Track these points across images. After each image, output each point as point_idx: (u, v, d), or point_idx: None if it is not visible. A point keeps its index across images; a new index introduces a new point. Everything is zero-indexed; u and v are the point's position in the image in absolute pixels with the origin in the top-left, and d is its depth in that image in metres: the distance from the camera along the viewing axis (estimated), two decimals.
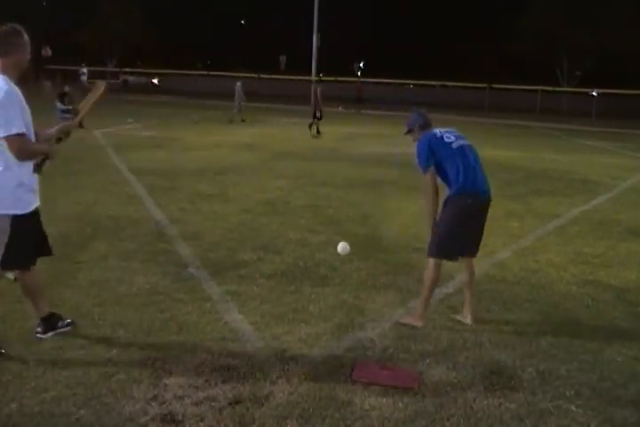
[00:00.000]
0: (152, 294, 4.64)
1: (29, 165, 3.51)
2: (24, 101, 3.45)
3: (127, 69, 50.92)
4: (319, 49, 36.61)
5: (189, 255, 5.68)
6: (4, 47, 3.41)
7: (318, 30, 36.02)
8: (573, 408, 3.28)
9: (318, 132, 18.43)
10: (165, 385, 3.32)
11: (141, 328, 4.03)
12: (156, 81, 50.94)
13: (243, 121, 22.12)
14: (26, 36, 3.49)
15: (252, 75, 44.41)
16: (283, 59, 47.07)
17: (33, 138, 3.51)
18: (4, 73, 3.40)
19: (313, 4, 35.83)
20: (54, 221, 6.76)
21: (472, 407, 3.23)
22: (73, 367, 3.46)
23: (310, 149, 14.67)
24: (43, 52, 40.11)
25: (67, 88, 17.47)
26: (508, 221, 7.75)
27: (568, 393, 3.42)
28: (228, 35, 57.74)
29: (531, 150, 16.62)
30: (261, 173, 10.56)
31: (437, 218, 4.24)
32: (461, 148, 4.25)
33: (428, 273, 4.25)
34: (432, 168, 4.21)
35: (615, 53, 36.37)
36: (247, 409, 3.11)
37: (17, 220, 3.45)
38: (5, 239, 3.43)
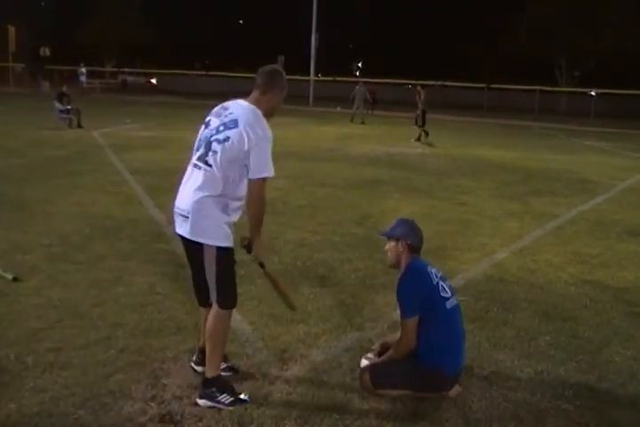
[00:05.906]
0: (151, 294, 4.64)
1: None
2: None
3: (126, 69, 50.85)
4: (318, 49, 36.63)
5: None
6: (265, 85, 3.35)
7: (317, 30, 36.04)
8: (572, 409, 3.28)
9: (420, 137, 16.99)
10: (164, 385, 3.32)
11: (140, 328, 4.02)
12: (154, 81, 50.91)
13: (352, 121, 22.68)
14: (285, 81, 3.42)
15: (252, 75, 44.35)
16: (281, 59, 47.04)
17: None
18: (258, 108, 3.30)
19: (312, 5, 35.86)
20: (53, 221, 6.78)
21: (471, 408, 3.23)
22: (71, 368, 3.46)
23: (309, 149, 14.66)
24: (41, 52, 40.14)
25: (65, 88, 17.41)
26: (506, 221, 7.77)
27: (566, 393, 3.42)
28: (228, 35, 57.69)
29: (529, 150, 16.62)
30: None
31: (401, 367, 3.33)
32: (454, 310, 3.36)
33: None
34: (416, 318, 3.27)
35: (614, 53, 36.37)
36: (246, 409, 3.11)
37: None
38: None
